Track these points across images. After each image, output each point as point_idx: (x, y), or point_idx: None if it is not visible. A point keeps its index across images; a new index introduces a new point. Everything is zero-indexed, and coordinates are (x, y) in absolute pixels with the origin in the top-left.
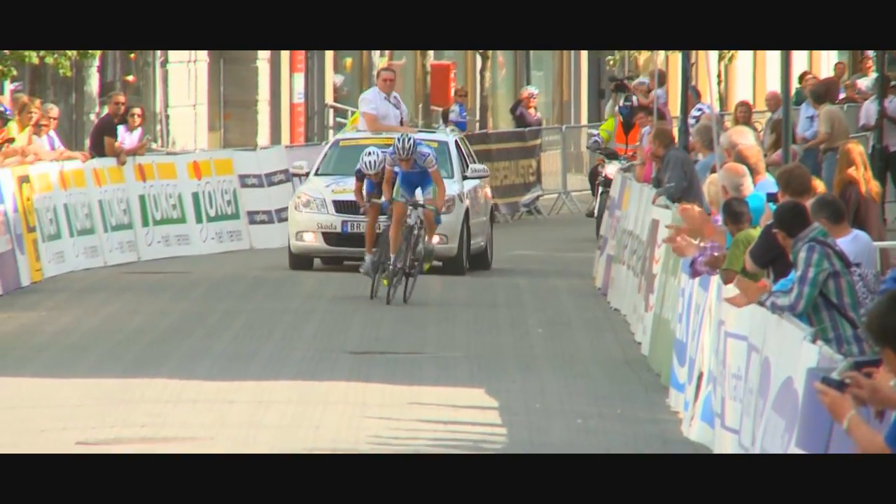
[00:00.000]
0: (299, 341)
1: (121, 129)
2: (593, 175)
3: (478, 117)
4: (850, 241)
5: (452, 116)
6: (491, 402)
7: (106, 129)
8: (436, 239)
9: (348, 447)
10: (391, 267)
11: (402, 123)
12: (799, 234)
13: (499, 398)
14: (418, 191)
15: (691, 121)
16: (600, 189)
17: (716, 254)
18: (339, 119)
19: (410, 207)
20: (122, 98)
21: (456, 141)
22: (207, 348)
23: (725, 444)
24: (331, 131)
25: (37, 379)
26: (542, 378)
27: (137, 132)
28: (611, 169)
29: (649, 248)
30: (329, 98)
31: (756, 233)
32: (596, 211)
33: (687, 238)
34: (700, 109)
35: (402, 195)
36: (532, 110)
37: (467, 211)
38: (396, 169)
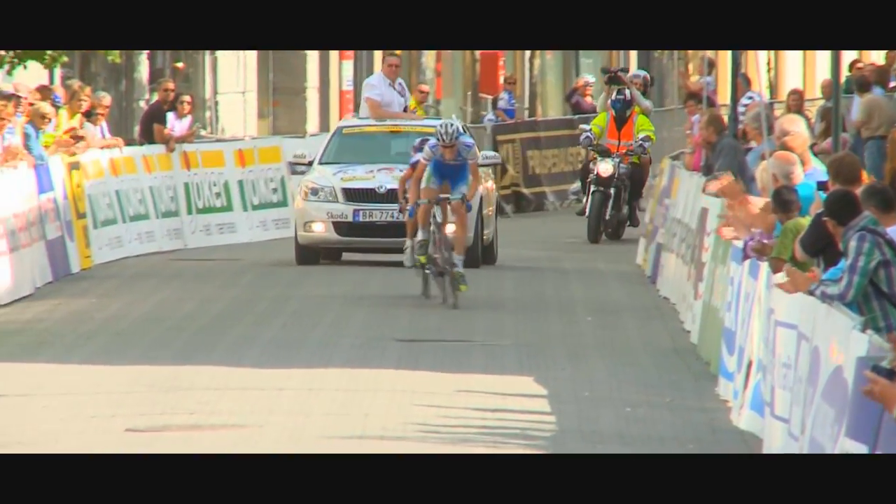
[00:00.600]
0: (348, 329)
1: (170, 116)
2: (584, 172)
3: (527, 105)
4: None
5: (501, 104)
6: (540, 391)
7: (155, 116)
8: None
9: (396, 435)
10: (420, 240)
11: (405, 111)
12: (849, 223)
13: (547, 386)
14: (447, 184)
15: (741, 108)
16: (591, 188)
17: (765, 241)
18: None
19: (435, 205)
20: (171, 85)
21: (463, 127)
22: (256, 335)
23: (775, 433)
24: None
25: (86, 366)
26: (591, 366)
27: (187, 119)
28: (603, 167)
29: (699, 237)
30: None
31: (805, 221)
32: (587, 210)
33: (738, 220)
34: (750, 97)
35: (433, 182)
36: (588, 98)
37: (481, 200)
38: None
